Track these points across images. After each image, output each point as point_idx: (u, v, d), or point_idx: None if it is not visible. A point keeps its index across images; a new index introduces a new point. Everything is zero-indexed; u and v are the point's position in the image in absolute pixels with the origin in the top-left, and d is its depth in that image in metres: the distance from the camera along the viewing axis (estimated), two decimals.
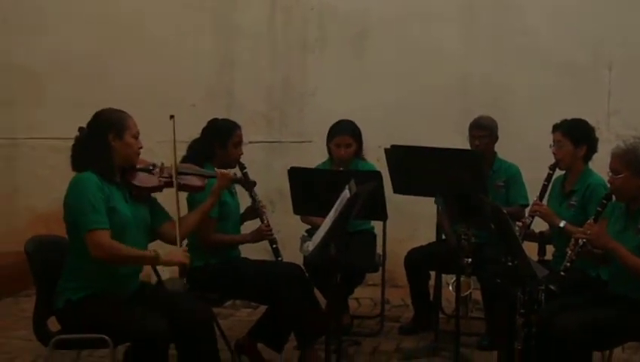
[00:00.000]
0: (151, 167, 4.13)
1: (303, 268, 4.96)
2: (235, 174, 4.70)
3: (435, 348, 5.17)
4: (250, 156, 5.56)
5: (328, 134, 5.61)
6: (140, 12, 7.00)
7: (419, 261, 5.52)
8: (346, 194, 3.91)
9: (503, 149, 5.65)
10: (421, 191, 5.11)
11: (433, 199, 5.17)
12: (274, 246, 4.94)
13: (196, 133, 4.96)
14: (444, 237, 5.40)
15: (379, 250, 5.69)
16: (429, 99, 6.71)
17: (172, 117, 4.15)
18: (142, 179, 4.05)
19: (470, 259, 5.02)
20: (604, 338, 4.00)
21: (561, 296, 4.22)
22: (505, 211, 4.07)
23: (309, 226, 5.47)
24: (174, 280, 5.13)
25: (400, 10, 6.79)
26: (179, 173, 4.15)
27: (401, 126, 6.53)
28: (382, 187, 4.81)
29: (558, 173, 4.96)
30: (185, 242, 4.71)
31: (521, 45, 6.64)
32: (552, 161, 4.90)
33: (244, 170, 4.94)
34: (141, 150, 4.05)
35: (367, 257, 5.50)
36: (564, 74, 6.55)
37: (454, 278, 5.01)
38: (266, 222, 4.92)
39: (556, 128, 4.90)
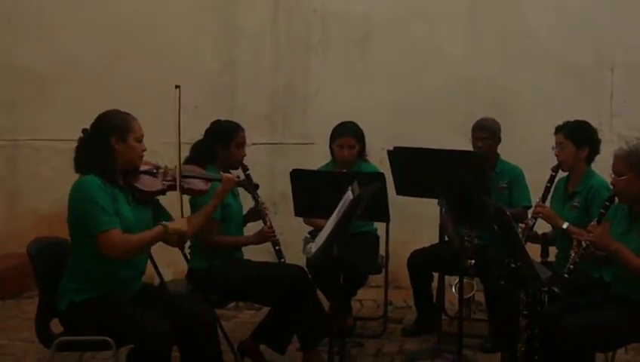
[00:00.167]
0: (154, 170, 4.11)
1: (305, 269, 4.95)
2: (238, 177, 4.70)
3: (438, 349, 5.16)
4: (253, 158, 5.56)
5: (331, 136, 5.61)
6: (143, 14, 7.00)
7: (422, 262, 5.51)
8: (348, 195, 3.90)
9: (506, 151, 5.65)
10: (424, 193, 5.11)
11: (436, 201, 5.19)
12: (277, 247, 4.94)
13: (199, 135, 4.96)
14: (447, 238, 5.41)
15: (382, 251, 5.68)
16: (432, 100, 6.71)
17: (178, 87, 4.13)
18: (145, 183, 4.04)
19: (473, 261, 5.03)
20: (607, 340, 4.00)
21: (564, 298, 4.22)
22: (508, 213, 4.07)
23: (312, 228, 5.47)
24: (177, 281, 5.15)
25: (403, 12, 6.79)
26: (182, 176, 4.13)
27: (404, 128, 6.53)
28: (385, 188, 4.80)
29: (561, 174, 4.96)
30: (187, 244, 4.74)
31: (523, 47, 6.64)
32: (555, 162, 4.90)
33: (247, 172, 4.95)
34: (145, 152, 4.04)
35: (370, 259, 5.49)
36: (566, 76, 6.55)
37: (457, 280, 5.01)
38: (268, 223, 4.92)
39: (558, 130, 4.90)
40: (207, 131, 4.96)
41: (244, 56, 7.03)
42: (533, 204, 5.03)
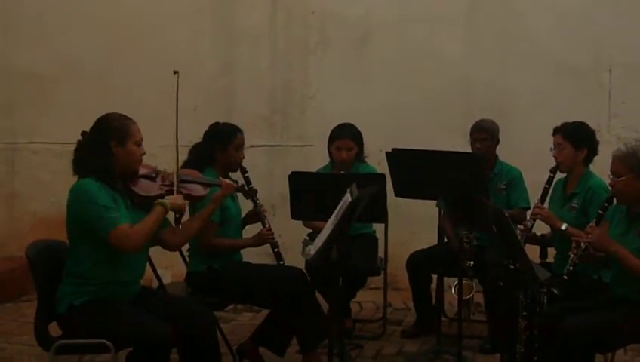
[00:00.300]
0: (153, 175, 4.10)
1: (304, 271, 4.95)
2: (237, 182, 4.70)
3: (438, 351, 5.16)
4: (252, 160, 5.57)
5: (329, 137, 5.61)
6: (141, 16, 7.00)
7: (421, 264, 5.51)
8: (347, 198, 3.90)
9: (505, 152, 5.65)
10: (422, 195, 5.10)
11: (434, 202, 5.18)
12: (275, 250, 4.94)
13: (197, 137, 4.96)
14: (446, 240, 5.41)
15: (380, 253, 5.68)
16: (431, 102, 6.70)
17: (176, 72, 4.13)
18: (143, 187, 4.03)
19: (472, 262, 5.04)
20: (606, 341, 3.99)
21: (563, 299, 4.23)
22: (506, 214, 4.07)
23: (311, 230, 5.47)
24: (176, 284, 5.15)
25: (401, 13, 6.78)
26: (181, 181, 4.13)
27: (403, 129, 6.52)
28: (384, 189, 4.80)
29: (560, 175, 4.96)
30: (186, 247, 4.74)
31: (522, 49, 6.64)
32: (554, 163, 4.90)
33: (246, 174, 4.94)
34: (143, 156, 4.04)
35: (369, 260, 5.49)
36: (564, 77, 6.55)
37: (456, 281, 5.02)
38: (267, 226, 4.92)
39: (557, 131, 4.90)
40: (205, 134, 4.96)
41: (243, 57, 7.02)
42: (532, 205, 5.03)
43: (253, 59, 7.01)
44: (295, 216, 4.90)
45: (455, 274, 5.12)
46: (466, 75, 6.72)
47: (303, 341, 4.79)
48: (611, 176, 4.12)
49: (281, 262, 4.94)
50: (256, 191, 4.89)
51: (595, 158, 4.91)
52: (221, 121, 5.07)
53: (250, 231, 5.02)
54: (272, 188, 6.50)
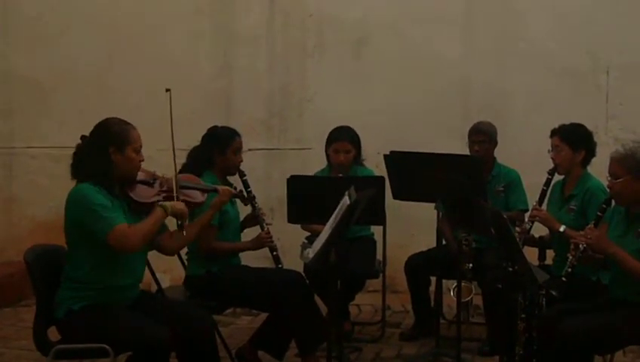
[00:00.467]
0: (151, 180, 4.09)
1: (303, 275, 4.94)
2: (235, 188, 4.70)
3: (437, 353, 5.15)
4: (250, 163, 5.57)
5: (327, 140, 5.61)
6: (140, 19, 7.00)
7: (419, 266, 5.51)
8: (345, 201, 3.91)
9: (503, 154, 5.65)
10: (421, 197, 5.10)
11: (433, 205, 5.18)
12: (274, 253, 4.93)
13: (195, 141, 4.96)
14: (444, 242, 5.41)
15: (379, 256, 5.68)
16: (429, 104, 6.70)
17: (168, 90, 4.12)
18: (141, 194, 4.02)
19: (471, 265, 5.04)
20: (605, 343, 3.99)
21: (562, 301, 4.22)
22: (505, 216, 4.07)
23: (309, 233, 5.47)
24: (174, 288, 5.15)
25: (399, 16, 6.79)
26: (180, 187, 4.12)
27: (401, 132, 6.53)
28: (383, 192, 4.80)
29: (558, 177, 4.96)
30: (184, 250, 4.74)
31: (520, 50, 6.65)
32: (551, 165, 4.90)
33: (244, 178, 4.95)
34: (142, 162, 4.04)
35: (368, 263, 5.49)
36: (562, 78, 6.56)
37: (455, 284, 5.01)
38: (266, 229, 4.92)
39: (554, 133, 4.90)
40: (203, 137, 4.96)
41: (240, 60, 7.02)
42: (530, 207, 5.03)
43: (250, 62, 7.01)
44: (292, 220, 4.89)
45: (454, 277, 5.12)
46: (463, 77, 6.72)
47: (301, 344, 4.78)
48: (609, 178, 4.12)
49: (280, 266, 4.93)
50: (254, 197, 4.90)
51: (593, 160, 4.91)
52: (219, 124, 5.07)
53: (249, 234, 5.02)
54: (270, 191, 6.50)
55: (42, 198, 6.95)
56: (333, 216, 3.92)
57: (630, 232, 4.09)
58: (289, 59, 7.00)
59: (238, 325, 5.99)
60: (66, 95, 7.04)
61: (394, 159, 5.09)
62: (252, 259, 5.10)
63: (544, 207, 4.90)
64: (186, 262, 4.93)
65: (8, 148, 7.20)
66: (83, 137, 3.97)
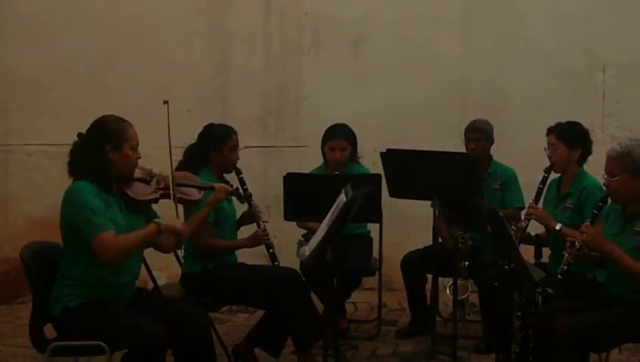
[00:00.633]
0: (148, 178, 4.09)
1: (299, 272, 4.94)
2: (231, 185, 4.70)
3: (433, 351, 5.16)
4: (247, 161, 5.57)
5: (323, 138, 5.61)
6: (137, 18, 6.99)
7: (415, 264, 5.52)
8: (342, 198, 3.91)
9: (500, 153, 5.65)
10: (417, 195, 5.10)
11: (429, 202, 5.19)
12: (270, 250, 4.93)
13: (192, 139, 4.96)
14: (440, 240, 5.41)
15: (375, 253, 5.68)
16: (425, 102, 6.69)
17: (166, 102, 4.12)
18: (138, 191, 4.01)
19: (467, 262, 5.05)
20: (601, 340, 3.99)
21: (558, 299, 4.23)
22: (501, 214, 4.08)
23: (306, 231, 5.47)
24: (171, 285, 5.14)
25: (396, 14, 6.77)
26: (176, 185, 4.12)
27: (397, 130, 6.52)
28: (380, 189, 4.80)
29: (554, 175, 4.97)
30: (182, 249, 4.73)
31: (518, 49, 6.64)
32: (548, 163, 4.91)
33: (241, 175, 4.95)
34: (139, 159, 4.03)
35: (364, 261, 5.49)
36: (559, 77, 6.55)
37: (451, 281, 5.01)
38: (262, 226, 4.92)
39: (550, 131, 4.91)
40: (200, 135, 4.96)
41: (237, 59, 7.02)
42: (526, 205, 5.04)
43: (247, 60, 7.00)
44: (288, 217, 4.89)
45: (450, 275, 5.13)
46: (459, 75, 6.71)
47: (298, 341, 4.78)
48: (606, 176, 4.12)
49: (276, 263, 4.93)
50: (250, 195, 4.90)
51: (590, 158, 4.92)
52: (215, 122, 5.07)
53: (245, 232, 5.02)
54: (266, 189, 6.50)
55: (38, 196, 6.95)
56: (330, 213, 3.92)
57: (626, 230, 4.10)
58: (285, 57, 6.99)
59: (235, 322, 5.99)
60: (63, 93, 7.03)
61: (390, 157, 5.09)
62: (248, 257, 5.10)
63: (540, 205, 4.90)
64: (182, 260, 4.92)
65: (4, 145, 7.19)
66: (80, 135, 3.96)
